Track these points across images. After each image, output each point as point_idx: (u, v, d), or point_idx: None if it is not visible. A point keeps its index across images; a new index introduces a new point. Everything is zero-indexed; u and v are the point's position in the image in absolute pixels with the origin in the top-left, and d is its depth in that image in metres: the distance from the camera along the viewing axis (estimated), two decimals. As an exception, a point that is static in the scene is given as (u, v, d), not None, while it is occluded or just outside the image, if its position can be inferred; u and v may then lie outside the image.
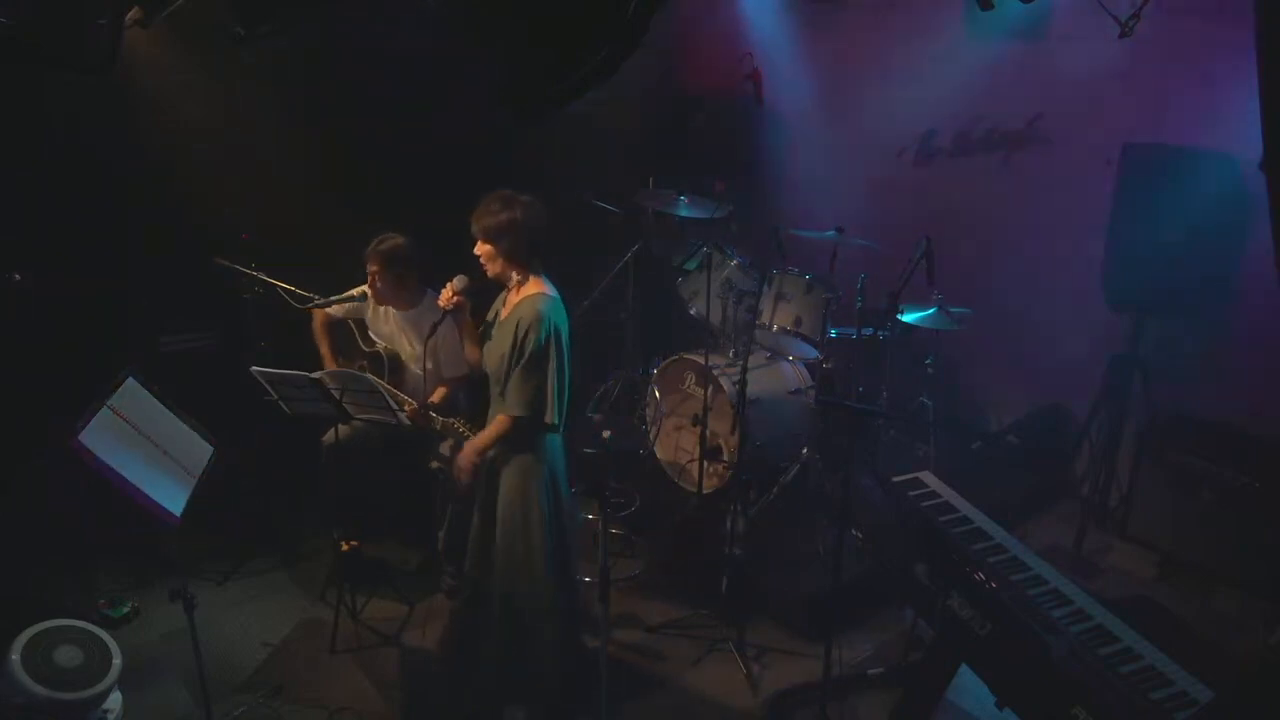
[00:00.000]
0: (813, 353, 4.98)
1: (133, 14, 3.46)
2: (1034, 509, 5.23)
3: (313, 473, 4.34)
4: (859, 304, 4.72)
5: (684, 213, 5.16)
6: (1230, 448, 4.38)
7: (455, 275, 3.36)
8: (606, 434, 3.44)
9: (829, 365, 5.03)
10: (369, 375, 3.76)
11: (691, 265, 5.34)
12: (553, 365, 3.21)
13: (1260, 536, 4.18)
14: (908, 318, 4.70)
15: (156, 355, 4.99)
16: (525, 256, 3.29)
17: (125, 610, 4.14)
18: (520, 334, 3.19)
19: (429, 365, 4.01)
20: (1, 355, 4.08)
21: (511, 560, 3.36)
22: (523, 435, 3.31)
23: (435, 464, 4.20)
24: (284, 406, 3.82)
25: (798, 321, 4.80)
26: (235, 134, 4.90)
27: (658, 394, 5.24)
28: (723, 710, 3.81)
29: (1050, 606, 3.00)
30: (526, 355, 3.18)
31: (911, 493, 3.65)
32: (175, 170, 4.76)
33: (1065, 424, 5.44)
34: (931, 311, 4.71)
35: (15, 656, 3.20)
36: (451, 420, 3.58)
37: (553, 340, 3.20)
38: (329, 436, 4.16)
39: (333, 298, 4.27)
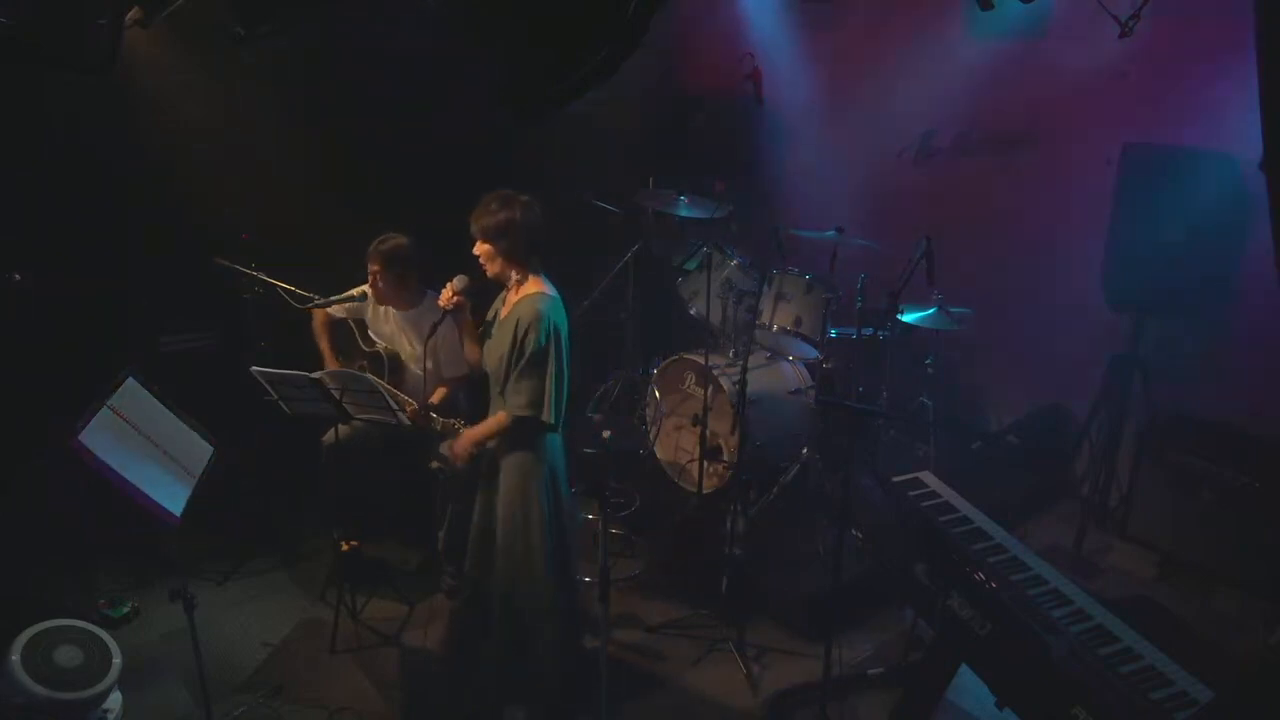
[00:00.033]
0: (813, 353, 4.98)
1: (133, 14, 3.46)
2: (1034, 509, 5.23)
3: (313, 473, 4.34)
4: (859, 304, 4.72)
5: (684, 213, 5.16)
6: (1230, 448, 4.38)
7: (455, 275, 3.36)
8: (606, 434, 3.44)
9: (829, 365, 5.03)
10: (369, 375, 3.76)
11: (691, 265, 5.34)
12: (552, 365, 3.21)
13: (1260, 536, 4.18)
14: (908, 318, 4.71)
15: (156, 355, 4.99)
16: (524, 256, 3.29)
17: (125, 610, 4.14)
18: (520, 333, 3.19)
19: (429, 365, 4.01)
20: (1, 355, 4.08)
21: (511, 560, 3.36)
22: (522, 434, 3.31)
23: (435, 464, 4.20)
24: (284, 406, 3.82)
25: (798, 321, 4.80)
26: (235, 134, 4.90)
27: (658, 394, 5.24)
28: (723, 710, 3.81)
29: (1050, 606, 3.00)
30: (526, 355, 3.19)
31: (911, 493, 3.65)
32: (175, 170, 4.76)
33: (1065, 424, 5.44)
34: (931, 311, 4.72)
35: (15, 656, 3.20)
36: (452, 421, 3.58)
37: (552, 339, 3.20)
38: (329, 436, 4.16)
39: (333, 298, 4.27)
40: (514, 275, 3.32)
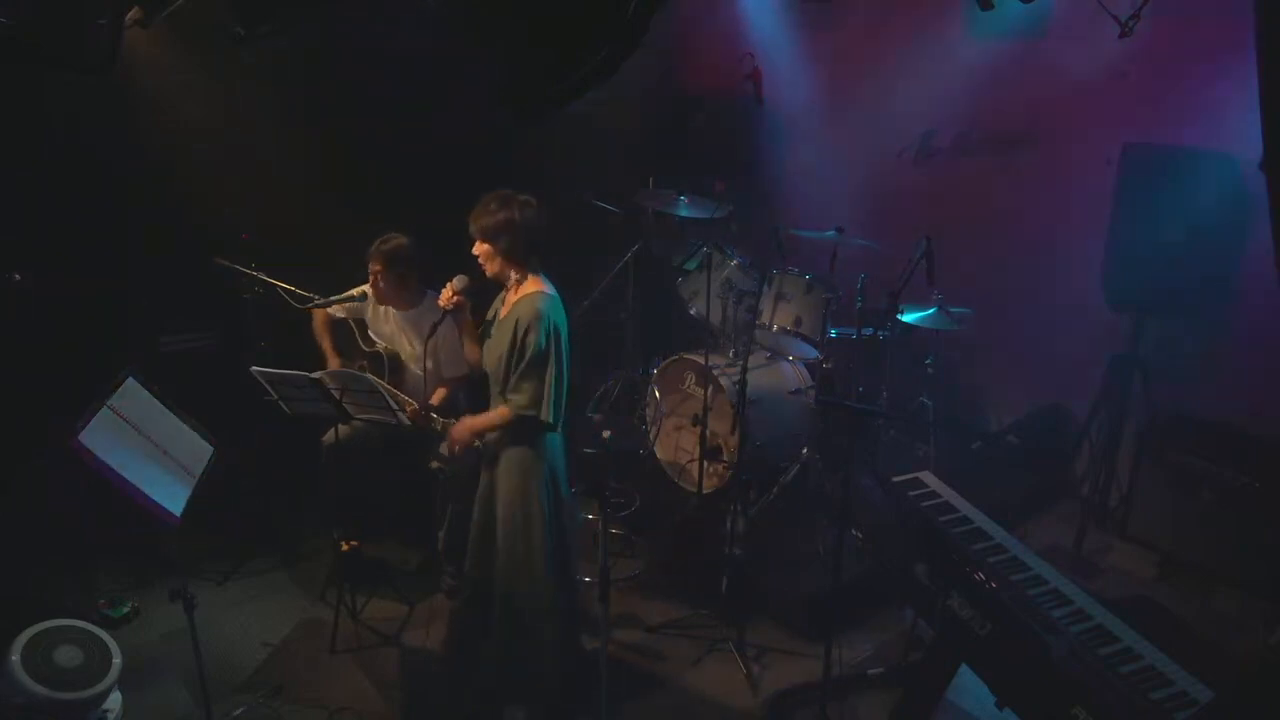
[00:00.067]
0: (813, 353, 4.98)
1: (133, 14, 3.46)
2: (1034, 509, 5.22)
3: (313, 473, 4.34)
4: (859, 304, 4.72)
5: (684, 213, 5.16)
6: (1230, 448, 4.38)
7: (455, 275, 3.36)
8: (606, 434, 3.44)
9: (829, 365, 5.03)
10: (369, 375, 3.76)
11: (691, 265, 5.34)
12: (552, 364, 3.21)
13: (1260, 536, 4.18)
14: (908, 318, 4.71)
15: (156, 355, 4.99)
16: (523, 255, 3.29)
17: (125, 610, 4.14)
18: (520, 333, 3.19)
19: (429, 365, 4.01)
20: (1, 355, 4.08)
21: (511, 560, 3.36)
22: (522, 434, 3.31)
23: (435, 464, 4.20)
24: (284, 406, 3.82)
25: (798, 321, 4.80)
26: (235, 134, 4.90)
27: (658, 394, 5.24)
28: (723, 710, 3.81)
29: (1050, 606, 3.00)
30: (526, 355, 3.19)
31: (911, 493, 3.65)
32: (175, 170, 4.76)
33: (1065, 424, 5.44)
34: (931, 311, 4.72)
35: (15, 656, 3.20)
36: (452, 421, 3.58)
37: (552, 339, 3.20)
38: (329, 436, 4.16)
39: (333, 298, 4.27)
40: (513, 275, 3.32)
